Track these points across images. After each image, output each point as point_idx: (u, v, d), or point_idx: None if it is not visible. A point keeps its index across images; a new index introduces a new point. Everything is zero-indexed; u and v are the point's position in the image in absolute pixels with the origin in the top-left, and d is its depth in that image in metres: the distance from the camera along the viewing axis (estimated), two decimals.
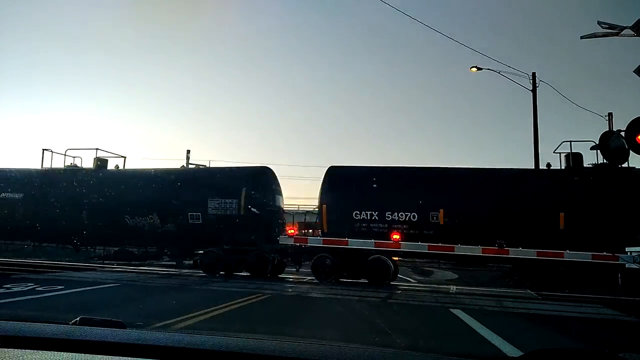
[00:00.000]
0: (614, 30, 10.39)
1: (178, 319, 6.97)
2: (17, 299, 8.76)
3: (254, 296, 10.34)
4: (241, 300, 9.63)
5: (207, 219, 15.02)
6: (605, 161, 12.75)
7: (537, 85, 19.89)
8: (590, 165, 13.45)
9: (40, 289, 10.00)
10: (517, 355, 1.85)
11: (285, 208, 17.77)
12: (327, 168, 14.90)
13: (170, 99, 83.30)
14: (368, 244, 13.31)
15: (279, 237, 14.65)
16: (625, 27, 10.23)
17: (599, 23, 10.56)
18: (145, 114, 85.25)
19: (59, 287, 10.31)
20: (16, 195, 17.10)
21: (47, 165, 17.76)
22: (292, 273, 15.70)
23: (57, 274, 14.11)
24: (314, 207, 16.13)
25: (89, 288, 10.74)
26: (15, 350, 1.50)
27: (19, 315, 2.22)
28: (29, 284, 10.60)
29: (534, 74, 20.23)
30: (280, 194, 16.57)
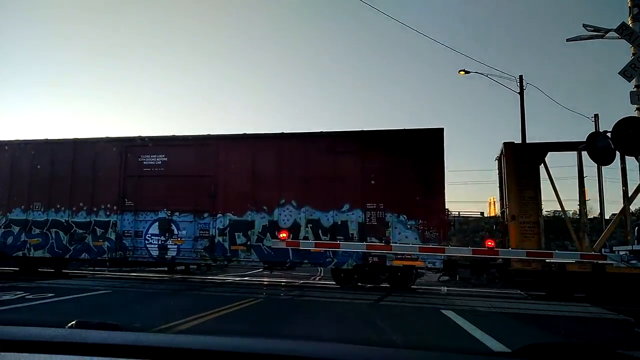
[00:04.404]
0: (599, 32, 10.56)
1: (173, 323, 6.96)
2: (6, 307, 8.65)
3: None
4: None
5: None
6: None
7: (524, 88, 20.15)
8: None
9: (30, 297, 9.90)
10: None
11: None
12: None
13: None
14: (359, 247, 13.32)
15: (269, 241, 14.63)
16: (609, 30, 10.41)
17: (584, 26, 10.73)
18: None
19: (50, 295, 10.22)
20: None
21: None
22: None
23: (46, 281, 13.98)
24: None
25: (81, 295, 10.64)
26: (12, 354, 1.50)
27: (12, 321, 2.22)
28: (18, 293, 10.48)
29: (521, 76, 20.55)
30: None
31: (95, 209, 15.36)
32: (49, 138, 16.36)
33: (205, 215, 14.49)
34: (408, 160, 13.49)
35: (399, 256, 13.07)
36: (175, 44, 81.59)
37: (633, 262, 10.82)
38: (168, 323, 6.97)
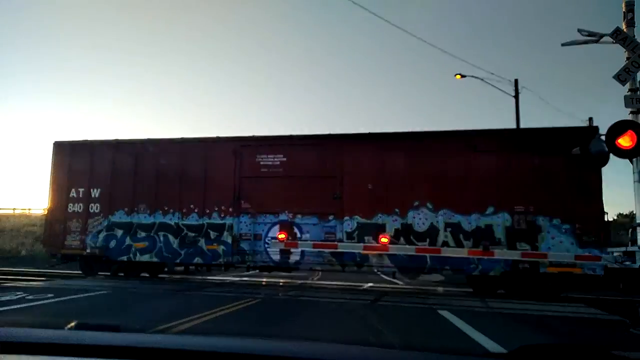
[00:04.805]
0: (594, 37, 10.59)
1: (172, 323, 7.01)
2: (5, 308, 8.69)
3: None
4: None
5: None
6: None
7: (519, 91, 20.24)
8: None
9: (30, 297, 9.94)
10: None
11: None
12: None
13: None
14: (356, 247, 13.37)
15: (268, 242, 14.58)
16: (604, 35, 10.45)
17: (579, 30, 10.77)
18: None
19: (50, 295, 10.26)
20: None
21: None
22: None
23: (46, 282, 14.01)
24: None
25: (81, 296, 10.68)
26: (13, 356, 1.53)
27: (12, 322, 2.24)
28: (18, 293, 10.52)
29: (516, 80, 20.62)
30: None
31: (207, 211, 14.76)
32: (152, 137, 15.90)
33: (331, 217, 13.94)
34: (560, 160, 12.74)
35: (554, 263, 12.37)
36: (184, 44, 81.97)
37: (627, 263, 10.91)
38: (168, 323, 7.02)
